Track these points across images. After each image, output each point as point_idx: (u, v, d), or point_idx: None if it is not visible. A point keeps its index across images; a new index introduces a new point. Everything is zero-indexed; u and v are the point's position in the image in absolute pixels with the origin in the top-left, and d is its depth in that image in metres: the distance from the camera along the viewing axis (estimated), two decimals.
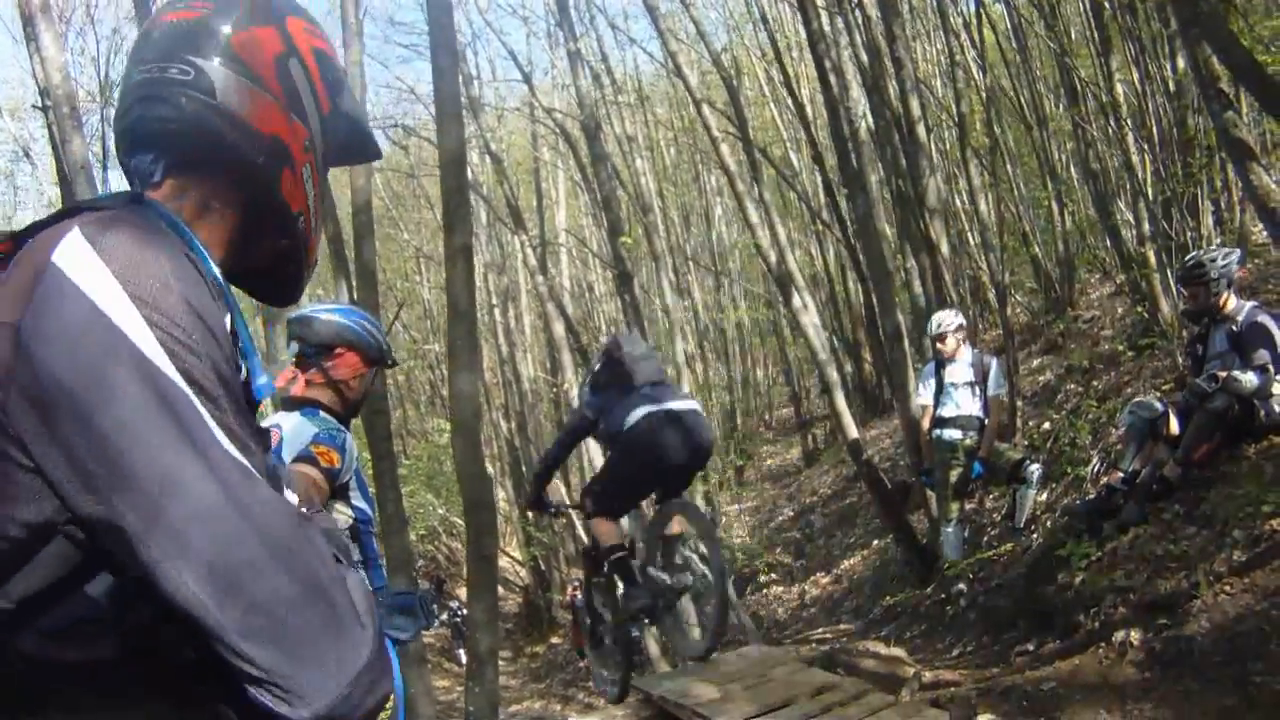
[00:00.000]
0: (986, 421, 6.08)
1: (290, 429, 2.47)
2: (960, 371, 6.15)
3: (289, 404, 2.58)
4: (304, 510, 0.85)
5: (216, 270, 0.93)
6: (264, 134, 0.99)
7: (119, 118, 1.01)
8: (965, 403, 6.11)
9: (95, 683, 0.79)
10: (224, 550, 0.73)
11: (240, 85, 0.98)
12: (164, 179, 0.98)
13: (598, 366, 4.89)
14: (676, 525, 4.80)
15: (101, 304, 0.74)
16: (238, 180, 1.00)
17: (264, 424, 2.56)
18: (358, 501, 2.61)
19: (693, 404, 4.75)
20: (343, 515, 2.53)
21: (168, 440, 0.73)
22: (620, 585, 4.74)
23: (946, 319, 6.19)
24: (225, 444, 0.76)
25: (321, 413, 2.55)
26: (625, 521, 5.08)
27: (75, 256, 0.76)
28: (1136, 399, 5.30)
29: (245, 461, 0.77)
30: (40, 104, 7.05)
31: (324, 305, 2.73)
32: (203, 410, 0.76)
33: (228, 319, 0.88)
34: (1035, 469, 6.01)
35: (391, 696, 2.67)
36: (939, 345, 6.18)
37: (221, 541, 0.73)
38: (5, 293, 0.77)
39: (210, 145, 0.97)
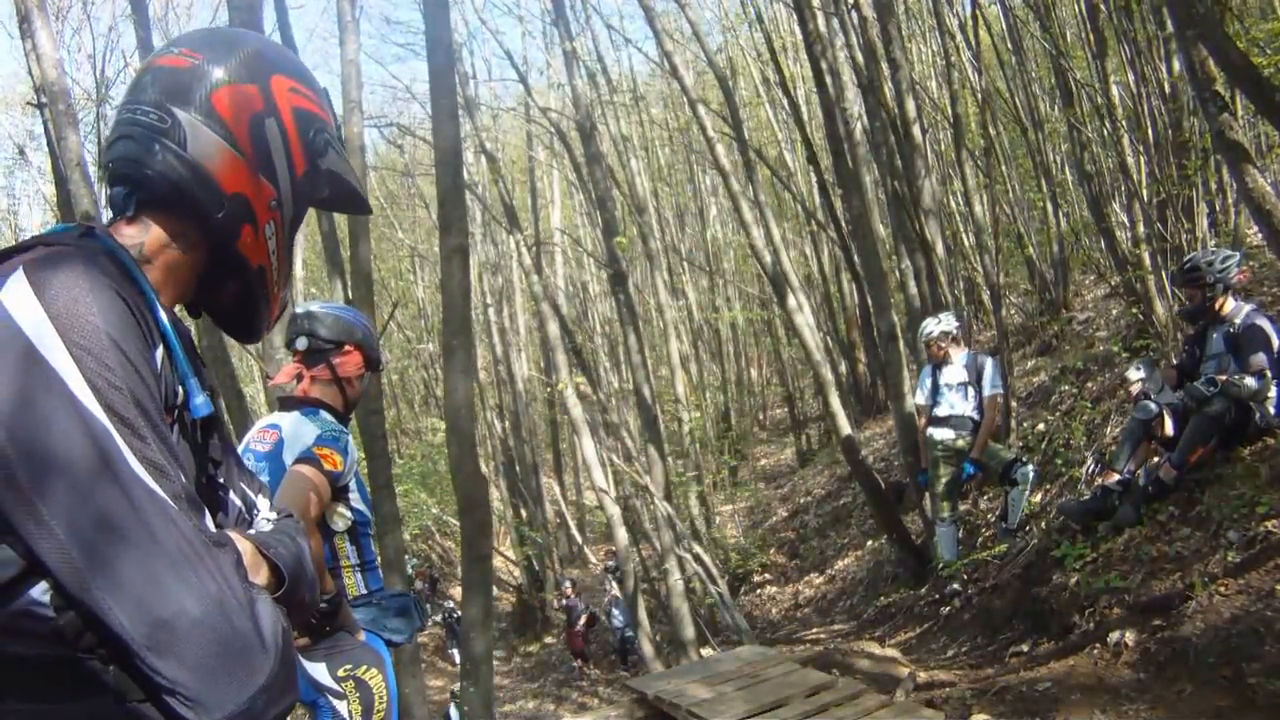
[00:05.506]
0: (981, 421, 6.09)
1: (290, 428, 2.44)
2: (954, 372, 6.18)
3: (288, 403, 2.56)
4: (218, 534, 0.92)
5: (158, 301, 0.99)
6: (227, 191, 1.05)
7: (106, 148, 1.09)
8: (959, 403, 6.13)
9: (47, 676, 0.86)
10: (135, 573, 0.82)
11: (211, 140, 1.04)
12: (135, 213, 1.05)
13: None
14: None
15: (39, 346, 0.83)
16: (200, 226, 1.06)
17: (260, 424, 2.54)
18: (357, 504, 2.58)
19: None
20: (341, 518, 2.51)
21: (90, 470, 0.82)
22: None
23: (931, 328, 6.26)
24: (142, 475, 0.84)
25: (323, 412, 2.53)
26: None
27: (17, 299, 0.85)
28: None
29: (160, 491, 0.85)
30: (36, 101, 7.00)
31: (329, 304, 2.71)
32: (122, 444, 0.84)
33: (159, 350, 0.95)
34: (1027, 470, 6.02)
35: (386, 696, 2.64)
36: (928, 350, 6.27)
37: (133, 565, 0.82)
38: None
39: (175, 192, 1.04)
